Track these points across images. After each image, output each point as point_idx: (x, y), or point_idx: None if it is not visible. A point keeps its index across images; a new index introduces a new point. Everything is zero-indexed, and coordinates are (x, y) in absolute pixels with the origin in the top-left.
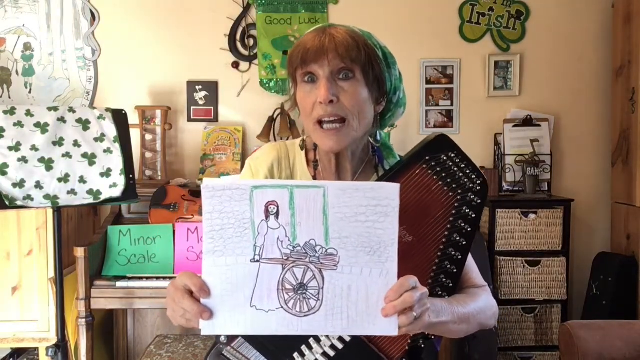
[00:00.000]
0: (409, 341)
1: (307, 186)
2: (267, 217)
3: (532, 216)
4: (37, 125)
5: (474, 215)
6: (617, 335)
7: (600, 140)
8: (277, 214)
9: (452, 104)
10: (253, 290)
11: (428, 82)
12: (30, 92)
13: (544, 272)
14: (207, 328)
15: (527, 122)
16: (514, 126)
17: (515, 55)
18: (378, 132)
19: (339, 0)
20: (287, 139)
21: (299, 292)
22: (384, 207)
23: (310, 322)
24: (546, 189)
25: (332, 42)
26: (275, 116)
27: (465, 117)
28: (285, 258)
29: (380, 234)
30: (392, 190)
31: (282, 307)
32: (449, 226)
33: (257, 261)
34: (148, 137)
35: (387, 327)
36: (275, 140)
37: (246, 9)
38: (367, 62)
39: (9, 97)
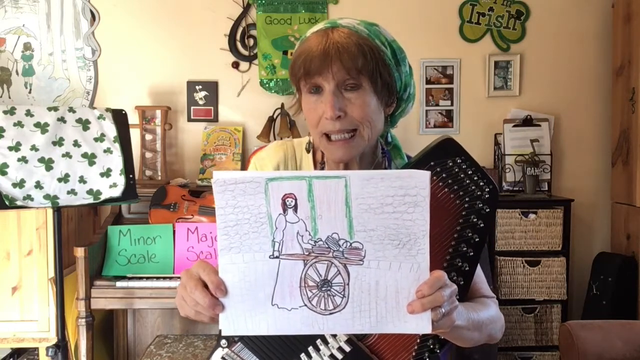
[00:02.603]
0: (414, 354)
1: (327, 177)
2: (284, 210)
3: (532, 216)
4: (37, 125)
5: (482, 225)
6: (617, 335)
7: (600, 140)
8: (295, 207)
9: (452, 104)
10: (274, 288)
11: (428, 82)
12: (30, 92)
13: (544, 272)
14: (227, 328)
15: (527, 122)
16: (514, 126)
17: (515, 55)
18: (389, 133)
19: (339, 0)
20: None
21: (323, 289)
22: (412, 196)
23: (335, 320)
24: (546, 189)
25: (337, 52)
26: (275, 116)
27: (465, 117)
28: (307, 253)
29: (410, 226)
30: (421, 178)
31: (305, 305)
32: (455, 236)
33: (277, 257)
34: (148, 137)
35: (420, 325)
36: (275, 140)
37: (246, 9)
38: (375, 69)
39: (9, 97)
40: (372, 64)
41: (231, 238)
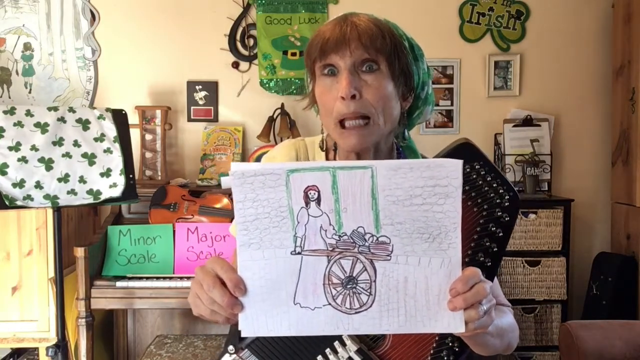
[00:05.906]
0: None
1: (352, 167)
2: (307, 203)
3: (532, 216)
4: (37, 125)
5: (501, 234)
6: (617, 335)
7: (600, 140)
8: (318, 200)
9: (452, 104)
10: (296, 286)
11: None
12: (30, 92)
13: (544, 272)
14: (247, 329)
15: (527, 122)
16: (514, 126)
17: (515, 55)
18: (406, 131)
19: (339, 0)
20: (287, 139)
21: (348, 286)
22: (443, 187)
23: (362, 319)
24: (546, 189)
25: (355, 31)
26: (275, 116)
27: (465, 117)
28: (331, 249)
29: (440, 218)
30: (453, 168)
31: (329, 304)
32: (472, 244)
33: (299, 253)
34: (148, 137)
35: (452, 324)
36: (275, 140)
37: (246, 9)
38: (393, 52)
39: (9, 97)
40: (390, 46)
41: (250, 233)
